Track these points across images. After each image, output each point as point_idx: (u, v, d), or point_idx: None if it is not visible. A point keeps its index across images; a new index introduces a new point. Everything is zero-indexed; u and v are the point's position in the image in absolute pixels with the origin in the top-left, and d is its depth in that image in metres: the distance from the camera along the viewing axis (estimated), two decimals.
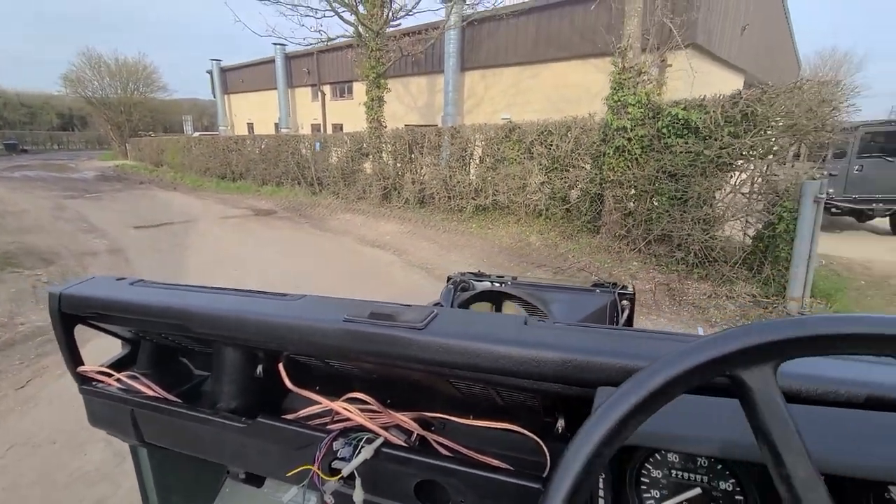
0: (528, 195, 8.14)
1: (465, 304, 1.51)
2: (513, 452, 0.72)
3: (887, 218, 8.64)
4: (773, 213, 4.57)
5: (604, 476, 0.52)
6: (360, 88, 17.94)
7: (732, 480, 0.50)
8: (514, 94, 13.78)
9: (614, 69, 6.29)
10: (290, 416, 0.82)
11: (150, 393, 0.92)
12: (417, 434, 0.75)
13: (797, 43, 20.56)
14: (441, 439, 0.74)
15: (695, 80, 6.83)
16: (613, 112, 6.31)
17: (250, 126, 24.93)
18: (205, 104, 57.61)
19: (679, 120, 5.54)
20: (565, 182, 7.56)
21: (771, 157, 5.07)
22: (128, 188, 17.12)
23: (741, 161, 5.18)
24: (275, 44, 19.96)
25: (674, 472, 0.53)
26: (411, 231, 9.26)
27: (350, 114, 18.55)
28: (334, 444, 0.71)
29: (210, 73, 25.93)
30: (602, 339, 0.62)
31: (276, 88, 21.39)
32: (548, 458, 0.68)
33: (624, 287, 1.51)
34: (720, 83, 11.63)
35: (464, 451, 0.72)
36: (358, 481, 0.69)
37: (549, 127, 7.62)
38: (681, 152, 5.57)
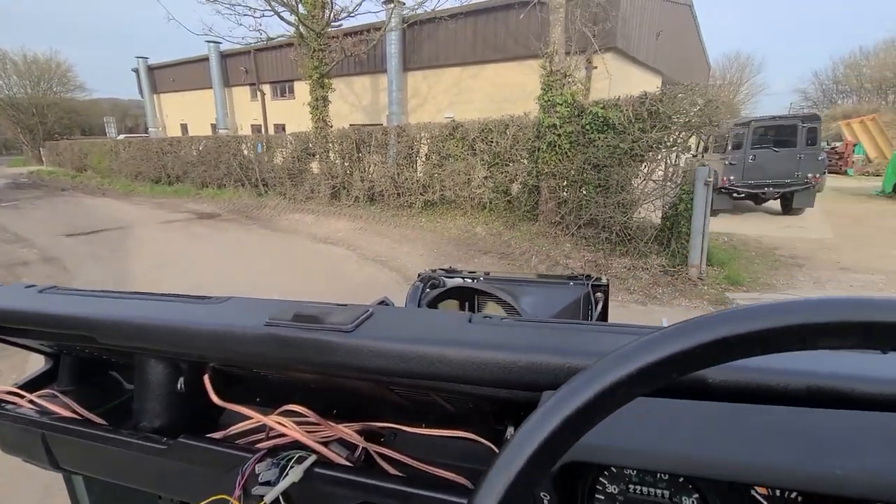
0: (473, 189, 8.68)
1: (434, 302, 1.48)
2: (468, 463, 0.67)
3: (778, 200, 10.08)
4: (675, 196, 5.42)
5: (548, 497, 0.48)
6: (301, 88, 17.75)
7: (696, 496, 0.47)
8: (457, 94, 14.33)
9: (543, 72, 6.96)
10: (217, 435, 0.75)
11: (67, 414, 0.84)
12: (362, 448, 0.70)
13: (707, 47, 22.82)
14: (389, 452, 0.69)
15: (619, 81, 7.69)
16: (544, 111, 6.99)
17: (184, 127, 23.75)
18: (126, 104, 53.53)
19: (599, 118, 6.30)
20: (506, 176, 8.18)
21: (676, 148, 5.94)
22: (49, 195, 15.89)
23: (651, 152, 6.02)
24: (208, 41, 19.22)
25: (631, 486, 0.49)
26: (363, 227, 9.52)
27: (292, 113, 18.29)
28: (258, 466, 0.65)
29: (136, 71, 24.38)
30: (553, 336, 0.58)
31: (211, 88, 20.60)
32: None
33: (598, 279, 1.48)
34: (641, 83, 12.84)
35: (414, 464, 0.67)
36: None
37: (489, 125, 8.20)
38: (602, 146, 6.34)
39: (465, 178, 8.80)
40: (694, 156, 10.41)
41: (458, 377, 0.56)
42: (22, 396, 0.87)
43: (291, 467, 0.63)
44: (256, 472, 0.64)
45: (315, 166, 12.16)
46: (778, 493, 0.42)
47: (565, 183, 6.96)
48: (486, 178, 8.50)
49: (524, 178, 7.88)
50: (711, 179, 4.89)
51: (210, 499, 0.67)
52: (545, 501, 0.48)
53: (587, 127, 6.49)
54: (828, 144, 18.79)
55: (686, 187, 5.18)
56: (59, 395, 0.88)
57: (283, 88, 18.99)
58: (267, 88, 19.25)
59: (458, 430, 0.67)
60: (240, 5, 10.66)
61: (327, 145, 11.37)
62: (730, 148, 9.58)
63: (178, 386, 0.76)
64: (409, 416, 0.71)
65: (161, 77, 23.94)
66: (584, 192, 6.69)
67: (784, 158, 9.36)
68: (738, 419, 0.44)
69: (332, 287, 6.00)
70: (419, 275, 1.60)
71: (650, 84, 14.47)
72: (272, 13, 10.68)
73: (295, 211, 11.67)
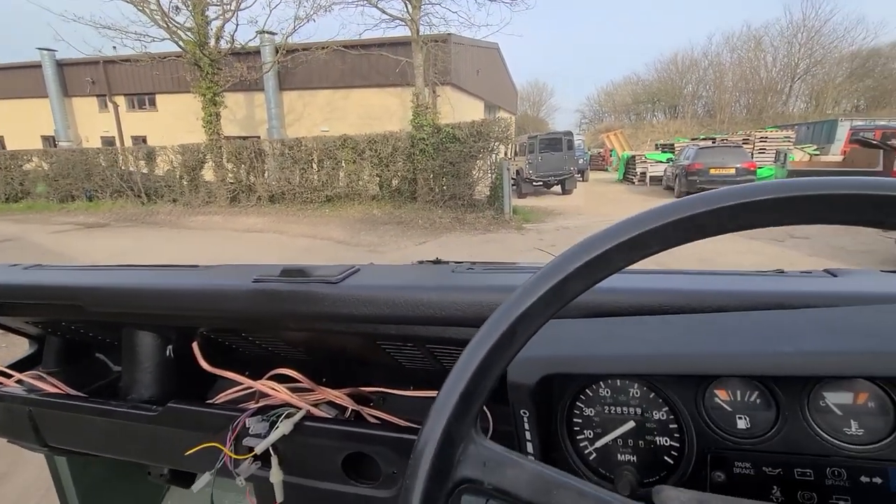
0: (365, 185, 11.86)
1: None
2: None
3: (559, 185, 15.70)
4: (494, 178, 9.75)
5: (527, 414, 0.50)
6: (165, 100, 18.27)
7: (666, 409, 0.49)
8: (330, 111, 17.09)
9: (412, 104, 10.67)
10: (208, 401, 0.78)
11: (53, 391, 0.84)
12: (351, 410, 0.72)
13: (514, 77, 29.98)
14: (378, 413, 0.71)
15: (457, 106, 11.77)
16: (415, 129, 10.70)
17: None
18: None
19: (450, 134, 10.29)
20: (391, 173, 11.61)
21: (494, 153, 10.26)
22: None
23: (481, 154, 10.26)
24: (40, 49, 17.94)
25: (606, 408, 0.51)
26: (276, 220, 11.70)
27: (156, 125, 18.48)
28: (248, 420, 0.66)
29: None
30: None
31: (39, 97, 18.98)
32: (490, 419, 0.65)
33: None
34: (470, 107, 17.72)
35: (401, 423, 0.69)
36: (274, 460, 0.65)
37: (375, 138, 11.51)
38: (453, 151, 10.36)
39: (356, 178, 11.89)
40: (508, 158, 15.45)
41: (442, 318, 0.58)
42: (9, 377, 0.86)
43: (281, 422, 0.64)
44: (247, 425, 0.66)
45: (209, 174, 13.51)
46: (738, 395, 0.46)
47: (433, 175, 10.79)
48: (374, 175, 11.77)
49: (403, 174, 11.44)
50: (511, 169, 9.20)
51: (202, 445, 0.68)
52: (525, 418, 0.50)
53: (443, 139, 10.42)
54: (588, 150, 27.01)
55: (498, 173, 9.48)
56: (45, 376, 0.87)
57: (143, 100, 18.90)
58: (121, 100, 18.84)
59: None
60: (129, 33, 11.78)
61: (223, 155, 12.99)
62: (527, 152, 14.79)
63: (167, 353, 0.77)
64: (397, 380, 0.74)
65: None
66: (445, 180, 10.63)
67: (557, 158, 14.89)
68: (688, 326, 0.48)
69: (285, 252, 8.35)
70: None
71: (477, 106, 19.64)
72: (166, 38, 12.07)
73: (196, 214, 12.89)
